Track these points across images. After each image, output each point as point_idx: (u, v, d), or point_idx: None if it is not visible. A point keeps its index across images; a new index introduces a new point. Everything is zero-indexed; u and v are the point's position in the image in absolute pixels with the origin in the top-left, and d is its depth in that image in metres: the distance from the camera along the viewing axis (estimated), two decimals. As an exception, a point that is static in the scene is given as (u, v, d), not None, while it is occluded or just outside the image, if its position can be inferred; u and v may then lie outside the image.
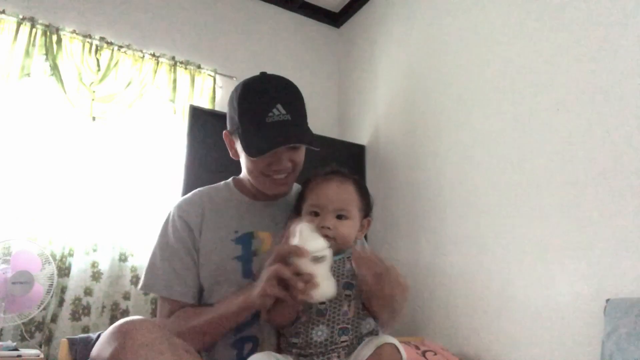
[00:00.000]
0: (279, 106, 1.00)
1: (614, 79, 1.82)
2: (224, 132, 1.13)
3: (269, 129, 0.99)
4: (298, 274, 0.84)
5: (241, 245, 1.05)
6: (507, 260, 2.13)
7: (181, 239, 1.06)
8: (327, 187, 1.01)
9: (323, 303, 0.91)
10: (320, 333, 0.90)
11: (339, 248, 0.97)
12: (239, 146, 1.07)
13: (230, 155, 1.14)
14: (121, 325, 0.77)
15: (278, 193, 1.10)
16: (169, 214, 1.11)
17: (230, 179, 1.20)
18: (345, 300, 0.93)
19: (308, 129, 1.07)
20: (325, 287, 0.84)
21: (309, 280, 0.83)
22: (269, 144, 0.98)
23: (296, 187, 1.18)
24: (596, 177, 1.83)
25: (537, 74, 2.13)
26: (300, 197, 1.06)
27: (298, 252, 0.85)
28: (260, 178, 1.06)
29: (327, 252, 0.87)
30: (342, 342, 0.91)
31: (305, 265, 0.84)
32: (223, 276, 1.03)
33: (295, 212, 1.08)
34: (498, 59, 2.35)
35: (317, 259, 0.84)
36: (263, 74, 1.08)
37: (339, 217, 0.98)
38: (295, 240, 0.87)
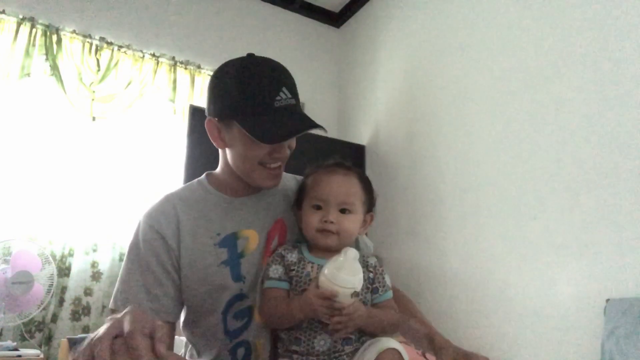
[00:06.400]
0: (284, 89, 0.95)
1: (614, 79, 1.82)
2: (206, 120, 1.02)
3: (280, 113, 0.94)
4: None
5: (226, 248, 0.99)
6: (507, 261, 2.13)
7: (153, 252, 0.97)
8: (331, 180, 0.97)
9: None
10: (322, 342, 0.87)
11: (341, 244, 0.94)
12: (232, 134, 0.98)
13: (215, 145, 1.05)
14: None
15: (270, 185, 1.03)
16: (139, 225, 1.02)
17: (203, 176, 1.11)
18: None
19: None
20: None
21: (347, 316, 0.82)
22: (287, 130, 0.94)
23: (285, 177, 1.13)
24: (596, 177, 1.83)
25: (537, 74, 2.13)
26: (302, 189, 1.02)
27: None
28: (257, 169, 0.99)
29: (360, 288, 0.85)
30: (346, 351, 0.89)
31: (346, 300, 0.82)
32: (212, 284, 0.97)
33: (296, 204, 1.04)
34: (498, 59, 2.35)
35: (355, 294, 0.83)
36: (250, 55, 1.01)
37: (343, 211, 0.95)
38: (339, 265, 0.83)
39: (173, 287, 0.98)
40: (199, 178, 1.11)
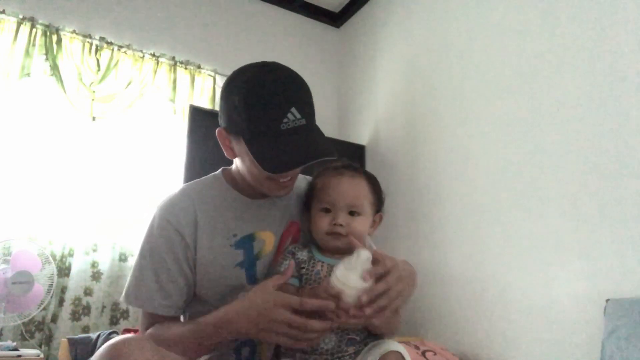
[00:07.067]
0: (293, 110, 0.90)
1: (614, 79, 1.82)
2: (217, 130, 1.00)
3: (286, 138, 0.89)
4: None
5: (242, 250, 0.99)
6: (507, 260, 2.13)
7: (170, 248, 0.97)
8: (339, 183, 0.97)
9: None
10: (327, 341, 0.88)
11: (351, 245, 0.94)
12: (241, 149, 0.96)
13: (226, 154, 1.02)
14: (113, 346, 0.72)
15: (281, 194, 1.02)
16: (154, 218, 1.00)
17: (219, 172, 1.09)
18: None
19: (318, 128, 0.98)
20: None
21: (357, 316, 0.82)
22: (290, 161, 0.90)
23: (297, 178, 1.11)
24: (596, 177, 1.83)
25: (537, 74, 2.13)
26: (310, 193, 1.03)
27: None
28: (266, 181, 0.97)
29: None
30: (349, 352, 0.89)
31: (354, 299, 0.82)
32: (227, 285, 0.98)
33: (305, 208, 1.05)
34: (498, 59, 2.35)
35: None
36: (265, 65, 0.95)
37: (352, 213, 0.95)
38: (351, 266, 0.83)
39: (186, 284, 0.99)
40: (215, 173, 1.10)
